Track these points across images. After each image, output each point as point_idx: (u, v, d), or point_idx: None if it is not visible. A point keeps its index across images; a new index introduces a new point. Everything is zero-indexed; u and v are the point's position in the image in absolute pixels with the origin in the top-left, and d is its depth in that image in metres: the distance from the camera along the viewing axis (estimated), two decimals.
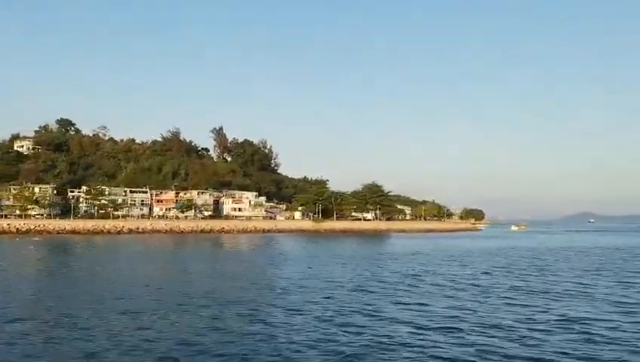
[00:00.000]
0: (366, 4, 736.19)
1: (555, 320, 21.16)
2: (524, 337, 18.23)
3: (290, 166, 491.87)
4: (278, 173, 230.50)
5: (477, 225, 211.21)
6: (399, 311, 22.94)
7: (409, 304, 24.97)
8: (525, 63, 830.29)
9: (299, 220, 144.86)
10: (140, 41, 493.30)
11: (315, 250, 68.87)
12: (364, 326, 19.66)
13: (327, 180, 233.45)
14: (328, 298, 26.41)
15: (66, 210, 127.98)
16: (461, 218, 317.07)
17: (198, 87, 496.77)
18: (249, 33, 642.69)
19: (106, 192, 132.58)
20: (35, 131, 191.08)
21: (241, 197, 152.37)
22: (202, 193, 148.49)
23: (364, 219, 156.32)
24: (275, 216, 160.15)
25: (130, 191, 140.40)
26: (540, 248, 76.69)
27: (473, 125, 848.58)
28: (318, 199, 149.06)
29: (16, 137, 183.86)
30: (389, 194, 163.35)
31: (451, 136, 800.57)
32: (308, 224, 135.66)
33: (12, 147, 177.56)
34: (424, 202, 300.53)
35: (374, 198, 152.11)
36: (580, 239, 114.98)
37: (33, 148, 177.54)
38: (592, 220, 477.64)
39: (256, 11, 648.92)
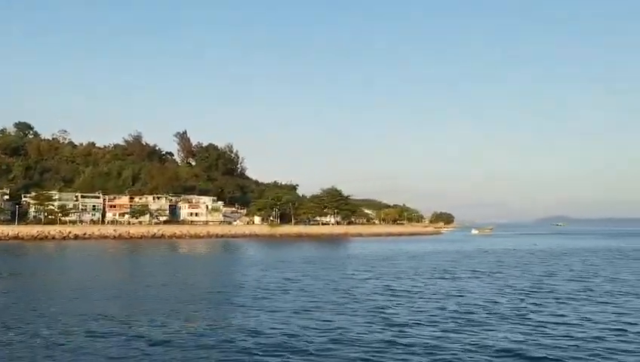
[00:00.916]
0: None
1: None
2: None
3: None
4: (246, 178, 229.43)
5: (440, 229, 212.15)
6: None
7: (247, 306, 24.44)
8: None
9: (257, 225, 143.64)
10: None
11: (248, 254, 68.21)
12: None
13: (297, 185, 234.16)
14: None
15: (20, 216, 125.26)
16: (430, 222, 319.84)
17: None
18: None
19: (56, 197, 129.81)
20: None
21: (198, 202, 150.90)
22: (158, 198, 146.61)
23: (323, 224, 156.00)
24: (234, 220, 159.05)
25: (82, 196, 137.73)
26: (463, 250, 77.73)
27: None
28: (276, 204, 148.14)
29: None
30: (349, 198, 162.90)
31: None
32: (264, 229, 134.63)
33: None
34: (395, 206, 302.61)
35: (333, 203, 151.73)
36: (513, 242, 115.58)
37: None
38: (560, 223, 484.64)
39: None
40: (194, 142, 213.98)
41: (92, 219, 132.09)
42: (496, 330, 20.95)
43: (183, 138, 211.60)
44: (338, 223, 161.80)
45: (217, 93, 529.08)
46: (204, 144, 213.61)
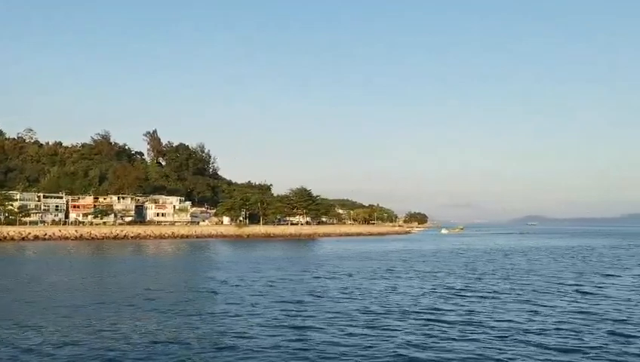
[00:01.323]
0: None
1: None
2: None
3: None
4: (218, 178, 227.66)
5: (410, 229, 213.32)
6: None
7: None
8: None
9: (225, 225, 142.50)
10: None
11: (210, 255, 67.47)
12: None
13: (271, 185, 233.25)
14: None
15: None
16: (404, 221, 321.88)
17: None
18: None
19: (17, 197, 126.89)
20: None
21: (164, 202, 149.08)
22: (123, 198, 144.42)
23: (292, 224, 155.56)
24: (203, 221, 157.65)
25: (44, 197, 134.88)
26: (421, 250, 78.44)
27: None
28: (245, 204, 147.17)
29: None
30: (319, 197, 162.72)
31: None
32: (231, 229, 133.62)
33: None
34: (370, 206, 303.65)
35: (302, 203, 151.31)
36: (476, 241, 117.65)
37: None
38: (532, 223, 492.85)
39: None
40: (164, 141, 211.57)
41: (53, 220, 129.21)
42: (389, 330, 20.95)
43: (152, 137, 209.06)
44: (308, 223, 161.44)
45: (192, 92, 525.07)
46: (175, 144, 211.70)
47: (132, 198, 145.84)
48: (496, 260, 59.54)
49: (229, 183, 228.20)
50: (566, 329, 21.10)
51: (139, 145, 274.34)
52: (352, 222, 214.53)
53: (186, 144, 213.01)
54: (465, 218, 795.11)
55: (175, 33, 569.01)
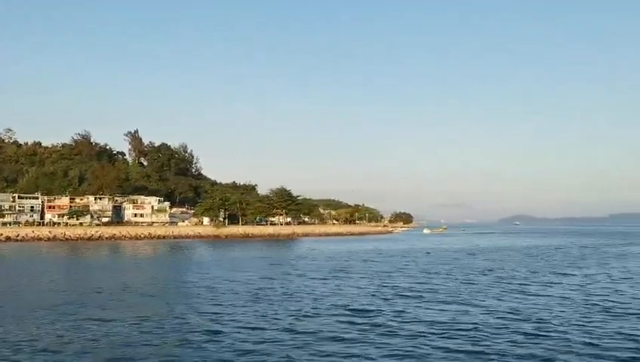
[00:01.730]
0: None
1: None
2: None
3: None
4: (201, 178, 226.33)
5: (393, 229, 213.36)
6: None
7: None
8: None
9: (203, 226, 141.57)
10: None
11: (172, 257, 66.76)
12: None
13: (256, 185, 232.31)
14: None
15: None
16: (390, 221, 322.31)
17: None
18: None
19: None
20: None
21: (142, 203, 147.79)
22: (100, 198, 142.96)
23: (271, 224, 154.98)
24: (183, 221, 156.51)
25: (19, 197, 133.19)
26: (390, 249, 78.01)
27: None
28: (224, 204, 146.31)
29: None
30: (299, 197, 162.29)
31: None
32: (209, 229, 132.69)
33: None
34: (356, 206, 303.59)
35: (281, 203, 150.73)
36: (452, 241, 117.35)
37: None
38: (517, 223, 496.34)
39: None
40: (146, 141, 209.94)
41: (27, 220, 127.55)
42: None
43: (134, 137, 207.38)
44: (288, 223, 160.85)
45: (191, 92, 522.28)
46: (157, 144, 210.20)
47: (109, 199, 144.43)
48: (459, 259, 59.39)
49: (213, 183, 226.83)
50: (481, 330, 20.76)
51: (121, 145, 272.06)
52: (334, 222, 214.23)
53: (168, 144, 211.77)
54: (457, 218, 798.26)
55: (174, 33, 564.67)
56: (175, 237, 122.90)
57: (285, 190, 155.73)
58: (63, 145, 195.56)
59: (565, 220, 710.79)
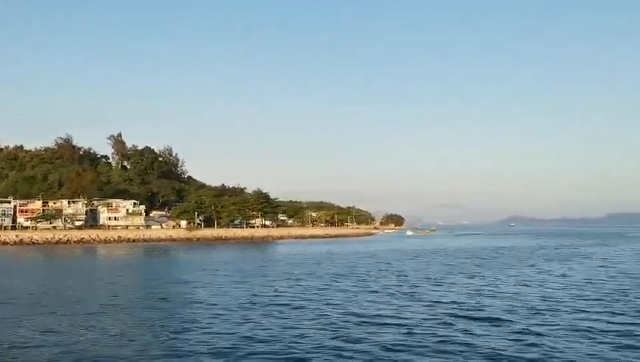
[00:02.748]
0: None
1: None
2: None
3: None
4: (186, 181, 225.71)
5: (375, 231, 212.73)
6: None
7: None
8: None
9: (175, 229, 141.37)
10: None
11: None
12: None
13: (245, 188, 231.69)
14: None
15: None
16: (381, 223, 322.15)
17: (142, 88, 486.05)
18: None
19: None
20: None
21: (117, 206, 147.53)
22: (74, 202, 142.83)
23: (248, 226, 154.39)
24: (160, 225, 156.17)
25: None
26: (350, 251, 77.63)
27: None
28: (199, 207, 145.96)
29: None
30: (276, 200, 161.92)
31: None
32: (181, 232, 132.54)
33: None
34: (348, 208, 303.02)
35: (256, 205, 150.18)
36: (424, 243, 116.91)
37: None
38: (512, 224, 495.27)
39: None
40: (130, 144, 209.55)
41: None
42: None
43: (117, 141, 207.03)
44: (265, 226, 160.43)
45: (192, 92, 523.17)
46: (140, 147, 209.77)
47: (84, 202, 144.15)
48: (390, 262, 58.67)
49: (202, 186, 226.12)
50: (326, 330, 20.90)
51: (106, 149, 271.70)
52: (321, 224, 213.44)
53: (152, 147, 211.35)
54: (455, 218, 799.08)
55: (174, 33, 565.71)
56: (145, 241, 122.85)
57: (261, 193, 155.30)
58: (46, 149, 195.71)
59: (563, 221, 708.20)
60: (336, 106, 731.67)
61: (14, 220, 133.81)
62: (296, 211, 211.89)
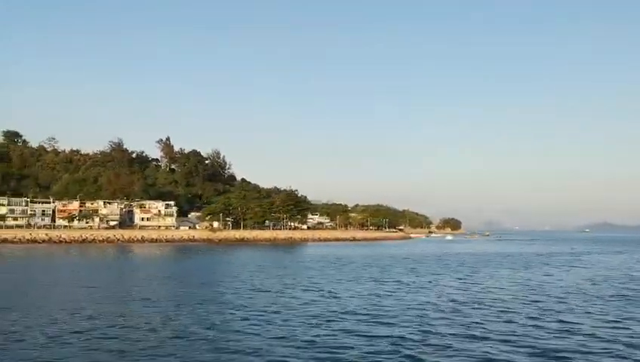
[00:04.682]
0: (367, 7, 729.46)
1: None
2: None
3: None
4: (232, 183, 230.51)
5: (414, 235, 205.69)
6: None
7: None
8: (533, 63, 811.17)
9: (198, 230, 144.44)
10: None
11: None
12: None
13: (296, 190, 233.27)
14: None
15: None
16: (437, 228, 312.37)
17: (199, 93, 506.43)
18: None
19: (4, 202, 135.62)
20: None
21: (150, 207, 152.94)
22: (109, 203, 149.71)
23: (275, 228, 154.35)
24: (194, 225, 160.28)
25: (31, 202, 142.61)
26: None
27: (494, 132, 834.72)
28: (226, 208, 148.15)
29: None
30: (307, 200, 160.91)
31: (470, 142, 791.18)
32: (204, 233, 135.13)
33: None
34: (403, 211, 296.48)
35: (282, 207, 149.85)
36: (457, 247, 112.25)
37: None
38: (587, 230, 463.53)
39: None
40: (177, 148, 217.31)
41: (31, 223, 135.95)
42: None
43: (165, 145, 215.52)
44: (296, 228, 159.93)
45: (218, 98, 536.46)
46: (187, 150, 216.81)
47: (118, 203, 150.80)
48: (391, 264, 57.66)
49: (246, 188, 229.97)
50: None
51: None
52: (361, 227, 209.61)
53: (198, 151, 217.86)
54: (530, 224, 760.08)
55: (228, 37, 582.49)
56: (168, 241, 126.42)
57: (292, 194, 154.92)
58: (102, 153, 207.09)
59: None
60: (399, 106, 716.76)
61: (53, 220, 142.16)
62: (336, 213, 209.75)
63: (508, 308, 27.68)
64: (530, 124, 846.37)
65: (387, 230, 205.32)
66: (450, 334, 20.84)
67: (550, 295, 33.71)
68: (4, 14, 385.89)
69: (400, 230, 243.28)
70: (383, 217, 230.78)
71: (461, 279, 43.88)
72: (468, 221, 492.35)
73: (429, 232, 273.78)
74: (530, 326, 22.92)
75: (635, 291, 36.25)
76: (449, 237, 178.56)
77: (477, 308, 27.63)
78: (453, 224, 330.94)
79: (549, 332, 21.40)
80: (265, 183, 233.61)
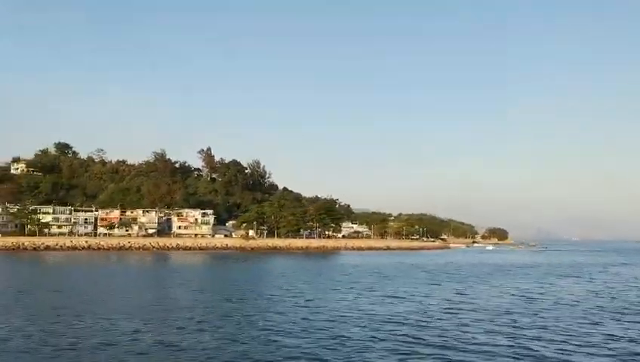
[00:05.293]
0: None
1: None
2: None
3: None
4: (271, 193, 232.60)
5: (454, 245, 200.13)
6: None
7: None
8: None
9: (234, 238, 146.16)
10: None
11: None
12: None
13: (337, 199, 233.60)
14: None
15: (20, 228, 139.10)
16: (482, 237, 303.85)
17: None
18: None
19: (50, 211, 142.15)
20: (36, 155, 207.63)
21: (187, 216, 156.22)
22: (147, 212, 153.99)
23: (307, 237, 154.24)
24: (230, 234, 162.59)
25: (75, 210, 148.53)
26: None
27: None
28: (260, 217, 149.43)
29: (16, 160, 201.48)
30: (348, 208, 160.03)
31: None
32: (238, 241, 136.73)
33: (9, 169, 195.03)
34: (448, 220, 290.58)
35: (315, 215, 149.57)
36: (480, 257, 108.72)
37: (27, 171, 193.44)
38: None
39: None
40: (217, 158, 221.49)
41: (79, 231, 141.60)
42: None
43: (207, 155, 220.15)
44: (331, 236, 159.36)
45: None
46: (227, 160, 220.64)
47: (157, 212, 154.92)
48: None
49: (287, 197, 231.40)
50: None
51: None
52: (411, 237, 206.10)
53: (238, 160, 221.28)
54: (590, 234, 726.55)
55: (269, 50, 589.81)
56: (201, 249, 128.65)
57: (327, 202, 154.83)
58: (145, 163, 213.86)
59: None
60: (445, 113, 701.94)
61: (95, 227, 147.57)
62: (375, 222, 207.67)
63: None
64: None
65: (424, 239, 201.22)
66: None
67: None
68: (65, 34, 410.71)
69: (442, 239, 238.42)
70: (426, 226, 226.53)
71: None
72: (521, 230, 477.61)
73: (473, 242, 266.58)
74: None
75: None
76: (489, 248, 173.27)
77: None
78: (499, 234, 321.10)
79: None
80: (310, 193, 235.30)
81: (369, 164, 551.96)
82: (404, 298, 37.58)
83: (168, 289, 41.34)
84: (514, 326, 26.31)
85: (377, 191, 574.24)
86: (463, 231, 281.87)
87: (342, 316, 28.29)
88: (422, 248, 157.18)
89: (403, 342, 22.00)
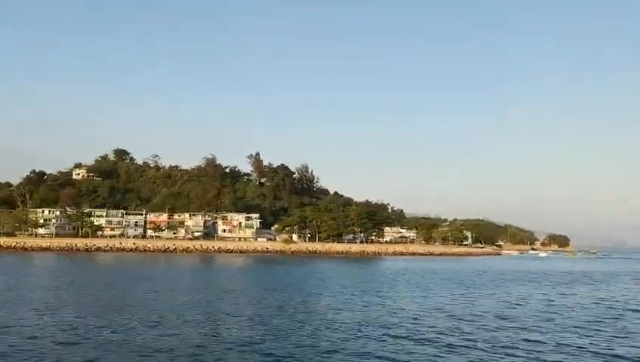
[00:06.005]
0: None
1: None
2: None
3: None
4: (318, 197, 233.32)
5: (506, 252, 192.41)
6: None
7: None
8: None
9: (275, 242, 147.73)
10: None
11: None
12: None
13: (388, 203, 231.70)
14: None
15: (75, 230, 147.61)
16: (542, 244, 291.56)
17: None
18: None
19: (103, 214, 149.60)
20: (96, 160, 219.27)
21: (231, 220, 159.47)
22: (194, 215, 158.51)
23: (350, 241, 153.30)
24: (274, 237, 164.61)
25: (126, 214, 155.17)
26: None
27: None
28: (302, 221, 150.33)
29: (78, 166, 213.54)
30: (384, 211, 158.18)
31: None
32: (278, 245, 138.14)
33: (72, 175, 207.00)
34: (505, 226, 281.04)
35: (356, 220, 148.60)
36: (525, 264, 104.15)
37: (87, 176, 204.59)
38: None
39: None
40: (266, 162, 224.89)
41: (122, 233, 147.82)
42: None
43: (256, 160, 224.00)
44: (372, 241, 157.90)
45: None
46: (276, 165, 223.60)
47: (203, 215, 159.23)
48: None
49: (336, 201, 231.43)
50: None
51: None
52: (458, 242, 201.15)
53: (287, 165, 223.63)
54: None
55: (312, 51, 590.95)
56: (242, 252, 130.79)
57: (371, 206, 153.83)
58: (197, 168, 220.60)
59: None
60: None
61: (144, 230, 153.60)
62: (424, 227, 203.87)
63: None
64: None
65: (475, 246, 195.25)
66: None
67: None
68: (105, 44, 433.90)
69: (498, 246, 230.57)
70: (481, 232, 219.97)
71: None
72: (590, 238, 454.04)
73: (532, 248, 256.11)
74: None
75: None
76: (542, 254, 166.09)
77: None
78: (560, 241, 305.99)
79: None
80: (363, 197, 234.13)
81: (428, 166, 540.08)
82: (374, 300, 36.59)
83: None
84: (459, 332, 25.39)
85: (438, 194, 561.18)
86: (522, 237, 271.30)
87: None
88: (469, 254, 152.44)
89: None
